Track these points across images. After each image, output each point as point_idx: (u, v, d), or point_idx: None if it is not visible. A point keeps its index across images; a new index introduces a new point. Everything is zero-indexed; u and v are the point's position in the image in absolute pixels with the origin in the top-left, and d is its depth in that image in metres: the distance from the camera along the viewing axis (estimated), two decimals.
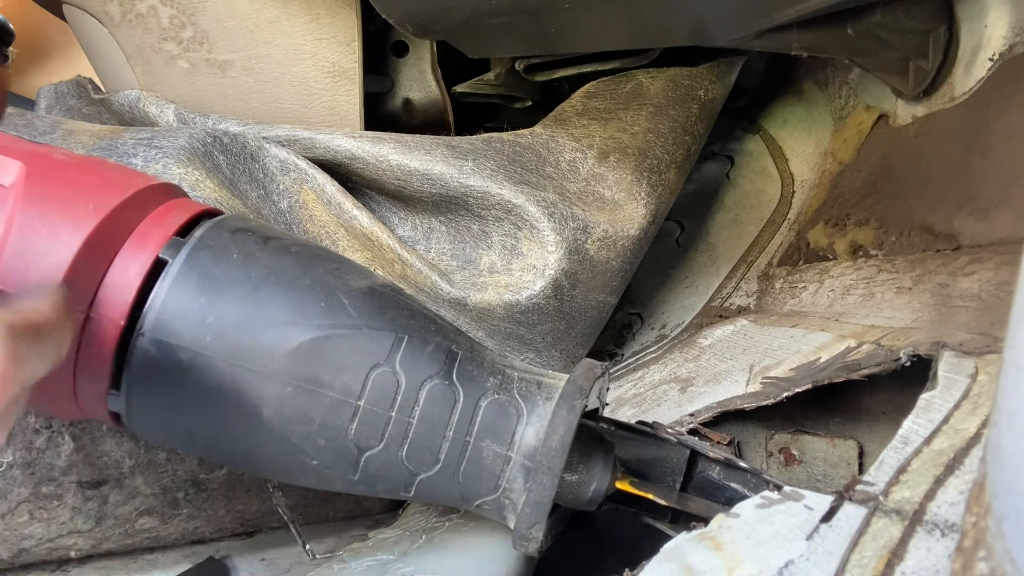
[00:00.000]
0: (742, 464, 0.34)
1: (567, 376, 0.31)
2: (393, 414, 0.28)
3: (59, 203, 0.27)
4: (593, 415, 0.35)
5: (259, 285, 0.28)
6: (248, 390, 0.27)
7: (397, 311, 0.30)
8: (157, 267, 0.28)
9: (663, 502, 0.32)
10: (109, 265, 0.27)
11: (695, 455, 0.35)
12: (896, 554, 0.24)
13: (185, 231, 0.29)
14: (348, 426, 0.28)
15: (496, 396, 0.29)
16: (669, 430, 0.36)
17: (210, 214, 0.31)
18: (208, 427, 0.28)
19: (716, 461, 0.35)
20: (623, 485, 0.32)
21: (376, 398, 0.28)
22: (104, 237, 0.27)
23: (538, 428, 0.29)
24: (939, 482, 0.27)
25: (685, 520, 0.33)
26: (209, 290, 0.28)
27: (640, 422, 0.37)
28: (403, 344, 0.29)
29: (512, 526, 0.29)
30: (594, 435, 0.33)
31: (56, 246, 0.26)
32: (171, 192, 0.31)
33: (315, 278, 0.29)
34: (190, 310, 0.27)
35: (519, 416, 0.29)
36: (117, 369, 0.28)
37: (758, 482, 0.32)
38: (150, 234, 0.28)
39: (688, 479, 0.35)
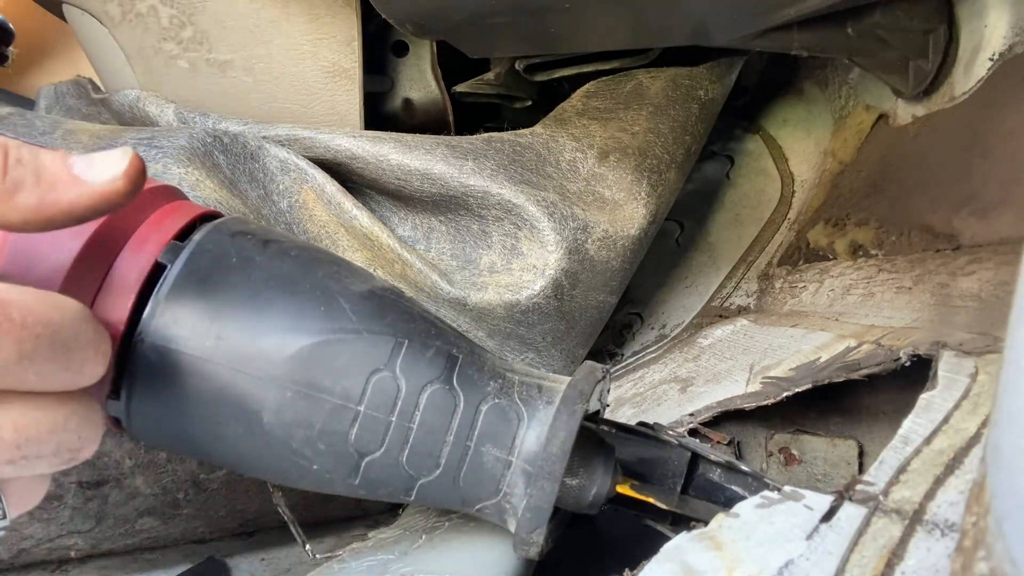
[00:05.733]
0: (744, 468, 0.34)
1: (568, 379, 0.31)
2: (393, 419, 0.28)
3: None
4: (594, 417, 0.35)
5: (259, 290, 0.28)
6: (248, 395, 0.27)
7: (397, 315, 0.30)
8: (156, 272, 0.28)
9: (664, 506, 0.32)
10: (108, 270, 0.27)
11: (696, 457, 0.35)
12: (896, 554, 0.24)
13: (184, 235, 0.29)
14: (348, 431, 0.28)
15: (497, 400, 0.29)
16: (670, 432, 0.36)
17: (209, 217, 0.31)
18: (208, 432, 0.28)
19: (717, 464, 0.35)
20: (624, 489, 0.32)
21: (376, 403, 0.28)
22: (102, 241, 0.27)
23: (539, 433, 0.29)
24: (939, 482, 0.27)
25: (685, 521, 0.33)
26: (208, 295, 0.27)
27: (641, 423, 0.37)
28: (403, 349, 0.29)
29: (513, 530, 0.29)
30: (595, 439, 0.33)
31: (55, 251, 0.26)
32: (170, 194, 0.31)
33: (315, 282, 0.29)
34: (189, 315, 0.27)
35: (520, 421, 0.29)
36: (117, 375, 0.28)
37: (759, 486, 0.32)
38: (148, 238, 0.28)
39: (689, 481, 0.35)
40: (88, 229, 0.27)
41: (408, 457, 0.29)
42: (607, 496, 0.31)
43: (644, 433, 0.36)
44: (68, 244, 0.26)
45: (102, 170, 0.23)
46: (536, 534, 0.28)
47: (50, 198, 0.22)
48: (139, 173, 0.23)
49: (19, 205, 0.22)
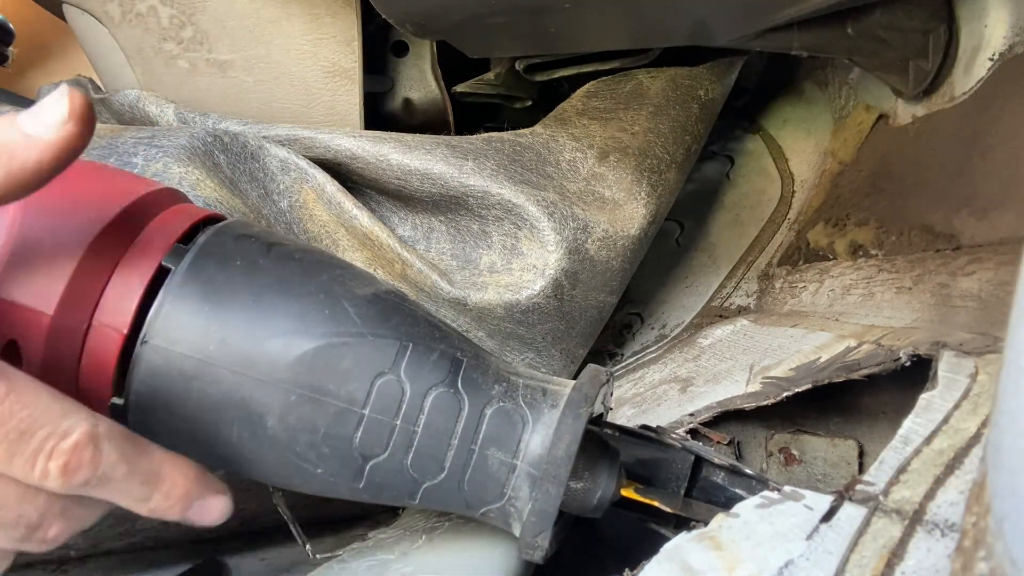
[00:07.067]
0: (747, 471, 0.34)
1: (572, 383, 0.31)
2: (398, 423, 0.28)
3: (61, 210, 0.26)
4: (598, 420, 0.35)
5: (263, 293, 0.28)
6: (252, 399, 0.27)
7: (401, 318, 0.30)
8: (160, 275, 0.28)
9: (669, 509, 0.32)
10: (112, 273, 0.27)
11: (700, 460, 0.35)
12: (896, 554, 0.24)
13: (188, 238, 0.29)
14: (353, 435, 0.28)
15: (501, 404, 0.29)
16: (674, 435, 0.36)
17: (213, 220, 0.31)
18: (211, 435, 0.28)
19: (721, 468, 0.35)
20: (628, 492, 0.32)
21: (381, 407, 0.28)
22: (106, 244, 0.27)
23: (544, 436, 0.29)
24: (939, 482, 0.27)
25: (687, 522, 0.33)
26: (212, 298, 0.27)
27: (644, 427, 0.37)
28: (408, 352, 0.29)
29: (518, 534, 0.29)
30: (599, 442, 0.33)
31: (59, 254, 0.26)
32: (173, 197, 0.31)
33: (319, 285, 0.29)
34: (193, 318, 0.27)
35: (524, 424, 0.29)
36: (120, 377, 0.28)
37: (762, 489, 0.32)
38: (152, 241, 0.28)
39: (692, 484, 0.35)
40: (92, 231, 0.27)
41: (413, 461, 0.29)
42: (612, 499, 0.31)
43: (648, 436, 0.36)
44: (71, 248, 0.26)
45: (50, 119, 0.23)
46: (541, 538, 0.28)
47: (16, 166, 0.22)
48: (84, 107, 0.23)
49: None
